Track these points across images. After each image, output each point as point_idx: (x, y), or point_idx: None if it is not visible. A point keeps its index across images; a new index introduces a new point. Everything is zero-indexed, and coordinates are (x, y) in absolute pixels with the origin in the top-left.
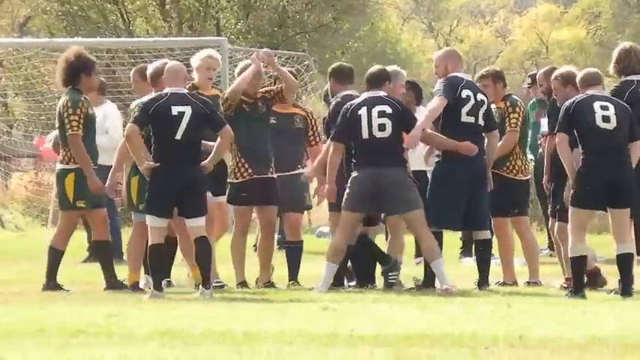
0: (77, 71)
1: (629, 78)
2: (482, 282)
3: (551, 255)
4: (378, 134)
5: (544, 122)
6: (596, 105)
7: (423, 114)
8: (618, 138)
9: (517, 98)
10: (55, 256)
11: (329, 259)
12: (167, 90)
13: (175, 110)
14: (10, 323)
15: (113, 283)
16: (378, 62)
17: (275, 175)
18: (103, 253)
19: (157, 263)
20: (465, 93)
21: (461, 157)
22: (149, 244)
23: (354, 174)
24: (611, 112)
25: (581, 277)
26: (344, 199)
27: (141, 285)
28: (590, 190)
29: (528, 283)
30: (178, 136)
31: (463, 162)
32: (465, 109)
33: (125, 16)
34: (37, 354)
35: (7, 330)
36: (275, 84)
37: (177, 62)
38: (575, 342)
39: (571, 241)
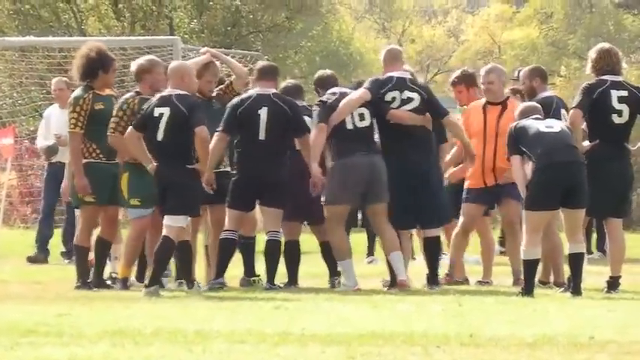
0: (95, 68)
1: (603, 77)
2: (433, 280)
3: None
4: (360, 124)
5: None
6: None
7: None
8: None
9: None
10: (81, 254)
11: (338, 258)
12: (166, 92)
13: (157, 112)
14: None
15: (99, 282)
16: (332, 62)
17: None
18: (100, 250)
19: (164, 259)
20: (391, 95)
21: (397, 153)
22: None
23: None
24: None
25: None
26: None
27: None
28: (546, 192)
29: (480, 282)
30: (159, 137)
31: (401, 158)
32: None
33: (77, 15)
34: None
35: None
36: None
37: (179, 62)
38: (525, 340)
39: (526, 243)
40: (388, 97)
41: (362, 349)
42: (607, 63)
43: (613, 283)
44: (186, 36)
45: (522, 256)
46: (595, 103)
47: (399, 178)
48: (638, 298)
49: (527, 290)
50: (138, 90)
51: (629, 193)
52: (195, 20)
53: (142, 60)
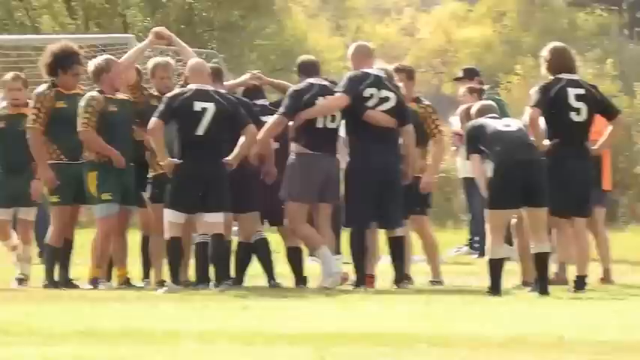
0: (55, 66)
1: (559, 76)
2: (400, 279)
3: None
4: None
5: (454, 120)
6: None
7: None
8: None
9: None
10: (51, 253)
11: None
12: (191, 86)
13: (198, 106)
14: None
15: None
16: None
17: None
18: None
19: (176, 257)
20: (369, 91)
21: (366, 152)
22: (167, 238)
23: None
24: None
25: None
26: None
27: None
28: (506, 191)
29: (432, 282)
30: (200, 132)
31: (368, 158)
32: (369, 105)
33: (30, 13)
34: None
35: None
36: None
37: (198, 59)
38: (494, 340)
39: (490, 243)
40: (366, 93)
41: (331, 349)
42: (561, 62)
43: (579, 283)
44: (140, 34)
45: (487, 256)
46: (552, 102)
47: (364, 178)
48: (607, 297)
49: (494, 289)
50: (100, 89)
51: (589, 193)
52: (148, 18)
53: (99, 60)
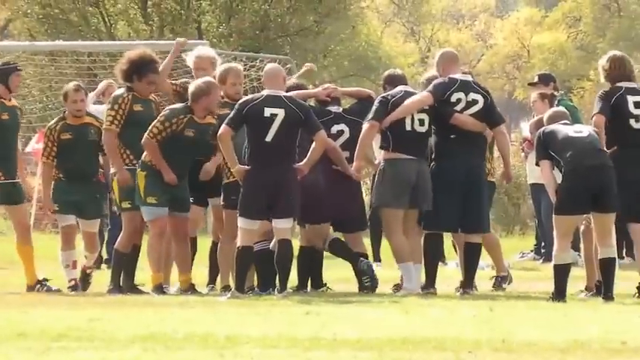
0: (130, 72)
1: (618, 84)
2: (468, 285)
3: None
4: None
5: (524, 126)
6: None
7: None
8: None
9: None
10: (119, 258)
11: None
12: (264, 91)
13: (268, 112)
14: None
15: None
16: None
17: None
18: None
19: (245, 265)
20: (456, 96)
21: (452, 155)
22: (238, 246)
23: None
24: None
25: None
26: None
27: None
28: (575, 197)
29: (496, 277)
30: (269, 138)
31: (455, 161)
32: (457, 109)
33: (106, 19)
34: (18, 358)
35: None
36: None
37: (275, 64)
38: (557, 345)
39: (557, 248)
40: (453, 98)
41: (393, 355)
42: (620, 71)
43: None
44: (214, 40)
45: (553, 261)
46: (612, 110)
47: (450, 181)
48: None
49: (559, 295)
50: (191, 107)
51: None
52: (223, 24)
53: (200, 82)
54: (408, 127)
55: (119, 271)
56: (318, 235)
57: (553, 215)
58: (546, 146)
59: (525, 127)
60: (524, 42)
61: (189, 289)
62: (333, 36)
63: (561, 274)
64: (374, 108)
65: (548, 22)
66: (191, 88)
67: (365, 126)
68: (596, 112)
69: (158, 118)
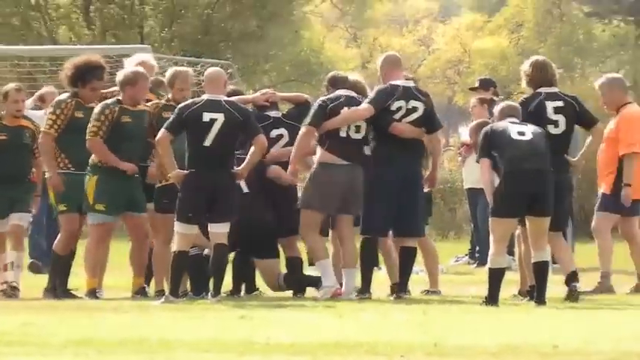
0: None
1: (538, 90)
2: (401, 289)
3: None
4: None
5: (463, 131)
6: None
7: None
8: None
9: None
10: (57, 261)
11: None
12: (204, 96)
13: (207, 117)
14: None
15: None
16: (302, 71)
17: None
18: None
19: (180, 270)
20: (397, 104)
21: (390, 161)
22: (174, 250)
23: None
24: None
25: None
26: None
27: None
28: (512, 200)
29: (427, 291)
30: (208, 143)
31: (393, 167)
32: (395, 117)
33: (48, 24)
34: None
35: None
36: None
37: (216, 69)
38: (489, 349)
39: (492, 252)
40: (394, 106)
41: (327, 359)
42: (542, 76)
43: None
44: (156, 44)
45: (488, 264)
46: (530, 116)
47: (387, 186)
48: (603, 307)
49: (491, 299)
50: (119, 98)
51: (564, 205)
52: (166, 29)
53: (128, 70)
54: (343, 134)
55: (56, 273)
56: (270, 272)
57: (490, 218)
58: (490, 145)
59: (464, 132)
60: (465, 47)
61: (140, 292)
62: (276, 41)
63: (495, 277)
64: (311, 112)
65: (490, 27)
66: (119, 76)
67: (301, 130)
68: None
69: (92, 116)
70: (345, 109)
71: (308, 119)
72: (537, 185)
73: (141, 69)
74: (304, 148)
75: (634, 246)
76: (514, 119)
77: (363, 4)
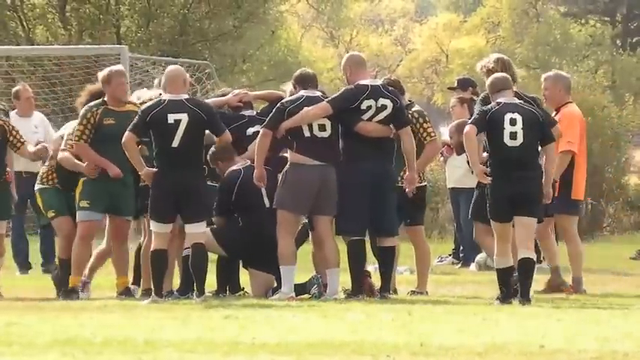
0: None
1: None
2: (385, 289)
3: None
4: (319, 134)
5: (444, 131)
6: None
7: None
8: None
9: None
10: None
11: (282, 263)
12: (165, 96)
13: (172, 118)
14: None
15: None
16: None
17: None
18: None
19: (160, 268)
20: (367, 103)
21: (359, 159)
22: (152, 249)
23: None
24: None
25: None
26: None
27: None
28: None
29: (413, 292)
30: (175, 144)
31: (361, 165)
32: (364, 117)
33: (25, 24)
34: None
35: None
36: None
37: (176, 67)
38: (474, 349)
39: (496, 254)
40: (364, 105)
41: (312, 359)
42: (504, 72)
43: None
44: (133, 45)
45: (495, 266)
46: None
47: (356, 184)
48: (588, 306)
49: (504, 298)
50: (105, 99)
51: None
52: (142, 29)
53: (103, 72)
54: (307, 134)
55: (67, 277)
56: (263, 285)
57: (491, 221)
58: (485, 126)
59: (445, 132)
60: (442, 47)
61: (125, 292)
62: (253, 41)
63: (505, 277)
64: (270, 115)
65: (467, 27)
66: (99, 76)
67: (260, 132)
68: (469, 122)
69: (79, 121)
70: (305, 108)
71: (265, 122)
72: (525, 189)
73: (116, 67)
74: (264, 151)
75: (547, 240)
76: (506, 93)
77: (339, 3)
